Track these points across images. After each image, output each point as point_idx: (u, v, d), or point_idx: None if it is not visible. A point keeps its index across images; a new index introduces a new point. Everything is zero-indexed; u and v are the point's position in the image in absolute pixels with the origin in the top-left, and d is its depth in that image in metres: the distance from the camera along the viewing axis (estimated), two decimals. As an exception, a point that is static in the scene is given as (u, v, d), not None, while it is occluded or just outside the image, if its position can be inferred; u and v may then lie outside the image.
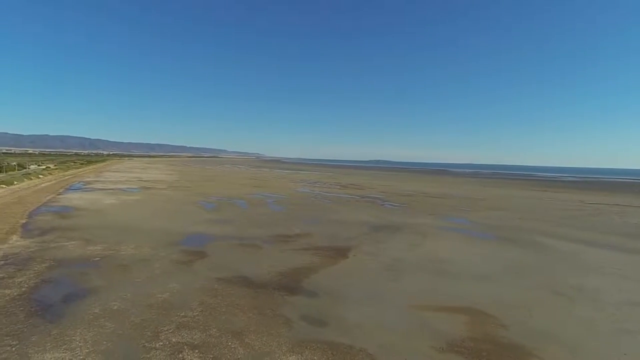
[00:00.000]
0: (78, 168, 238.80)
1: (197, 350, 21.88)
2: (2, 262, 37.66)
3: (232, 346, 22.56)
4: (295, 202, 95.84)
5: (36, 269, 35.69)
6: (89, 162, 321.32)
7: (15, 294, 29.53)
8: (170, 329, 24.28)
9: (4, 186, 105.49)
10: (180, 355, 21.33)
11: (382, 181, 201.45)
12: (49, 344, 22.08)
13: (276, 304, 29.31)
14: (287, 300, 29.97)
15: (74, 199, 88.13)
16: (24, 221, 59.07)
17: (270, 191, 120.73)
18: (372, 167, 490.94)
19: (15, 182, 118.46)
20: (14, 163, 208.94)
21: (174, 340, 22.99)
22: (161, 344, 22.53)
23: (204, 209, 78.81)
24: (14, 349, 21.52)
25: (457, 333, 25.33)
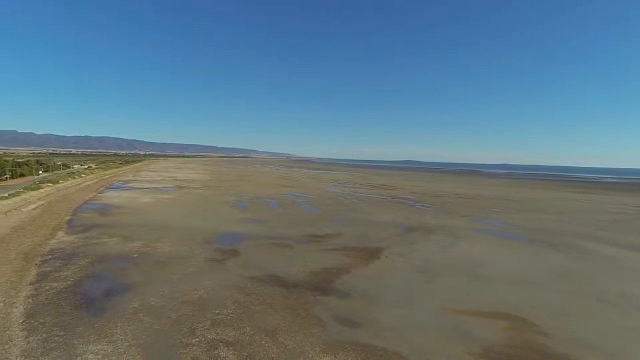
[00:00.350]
0: (117, 168, 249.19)
1: (231, 348, 22.19)
2: (50, 256, 39.74)
3: (266, 345, 22.72)
4: (326, 202, 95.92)
5: (80, 263, 37.41)
6: (127, 162, 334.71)
7: (61, 287, 31.04)
8: (205, 326, 24.76)
9: (50, 185, 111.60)
10: (216, 352, 21.70)
11: (413, 182, 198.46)
12: (92, 336, 23.03)
13: (309, 303, 29.32)
14: (319, 300, 29.92)
15: (113, 197, 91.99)
16: (68, 218, 62.15)
17: (301, 191, 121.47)
18: (402, 168, 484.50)
19: (61, 181, 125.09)
20: (60, 163, 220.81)
21: (209, 336, 23.43)
22: (197, 340, 23.01)
23: (236, 208, 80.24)
24: (61, 339, 22.58)
25: (495, 339, 24.43)
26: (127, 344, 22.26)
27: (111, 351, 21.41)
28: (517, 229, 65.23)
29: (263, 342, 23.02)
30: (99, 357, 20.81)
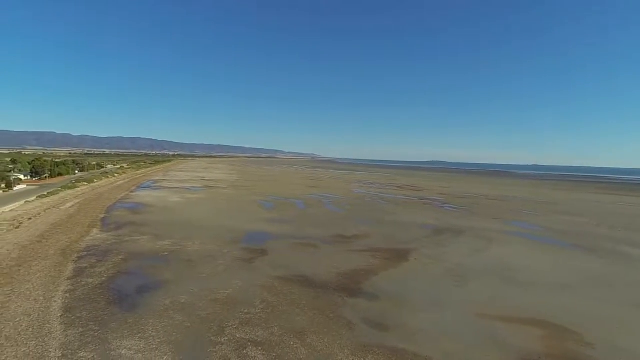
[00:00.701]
0: (147, 167, 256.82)
1: (260, 348, 22.16)
2: (85, 253, 41.14)
3: (295, 346, 22.58)
4: (352, 202, 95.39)
5: (113, 260, 38.51)
6: (157, 162, 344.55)
7: (96, 282, 32.00)
8: (234, 325, 24.87)
9: (85, 184, 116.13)
10: (245, 352, 21.72)
11: (440, 182, 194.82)
12: (126, 332, 23.55)
13: (337, 305, 29.00)
14: (347, 302, 29.55)
15: (144, 196, 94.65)
16: (102, 216, 64.33)
17: (327, 191, 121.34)
18: (428, 168, 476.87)
19: (95, 180, 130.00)
20: (94, 163, 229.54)
21: (238, 336, 23.50)
22: (226, 338, 23.13)
23: (263, 208, 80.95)
24: (96, 333, 23.20)
25: (532, 348, 23.34)
26: (159, 340, 22.62)
27: (144, 347, 21.80)
28: (550, 232, 62.73)
29: (291, 343, 22.88)
30: (132, 352, 21.22)
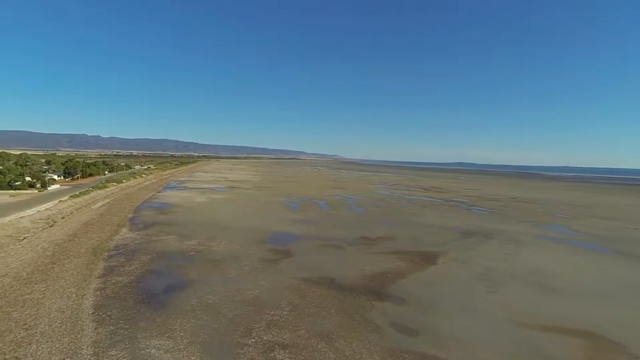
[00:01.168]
0: (173, 168, 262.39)
1: (287, 351, 21.79)
2: (115, 251, 41.97)
3: (322, 349, 22.09)
4: (376, 204, 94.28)
5: (142, 259, 39.08)
6: (182, 164, 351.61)
7: (126, 281, 32.48)
8: (261, 327, 24.61)
9: (115, 184, 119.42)
10: (272, 354, 21.39)
11: (466, 184, 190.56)
12: (154, 331, 23.65)
13: (364, 308, 28.35)
14: (375, 306, 28.86)
15: (170, 196, 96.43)
16: (131, 215, 65.77)
17: (350, 193, 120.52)
18: (453, 170, 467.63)
19: (124, 181, 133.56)
20: (123, 164, 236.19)
21: (265, 338, 23.21)
22: (253, 340, 22.88)
23: (287, 208, 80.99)
24: (125, 332, 23.40)
25: None
26: (187, 341, 22.60)
27: (172, 347, 21.81)
28: (586, 236, 59.98)
29: (319, 347, 22.42)
30: (161, 352, 21.26)
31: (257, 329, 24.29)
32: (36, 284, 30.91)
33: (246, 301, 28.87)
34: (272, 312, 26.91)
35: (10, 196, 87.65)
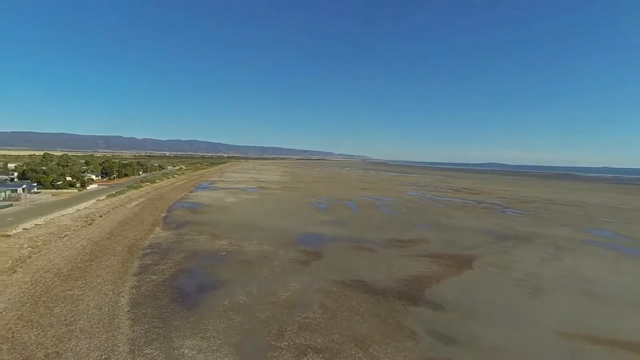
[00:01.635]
0: (204, 169, 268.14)
1: (321, 356, 21.24)
2: (149, 250, 42.85)
3: (357, 356, 21.42)
4: (406, 205, 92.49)
5: (175, 258, 39.67)
6: (212, 164, 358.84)
7: (160, 279, 32.96)
8: (293, 330, 24.21)
9: (148, 184, 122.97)
10: (305, 359, 20.98)
11: (498, 185, 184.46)
12: (187, 331, 23.74)
13: (398, 313, 27.46)
14: (409, 311, 27.91)
15: (202, 196, 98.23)
16: (164, 215, 67.27)
17: (379, 194, 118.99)
18: (485, 171, 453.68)
19: (157, 181, 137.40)
20: (156, 164, 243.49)
21: (298, 341, 22.80)
22: (286, 343, 22.51)
23: (316, 209, 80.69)
24: (160, 331, 23.59)
25: (630, 375, 20.42)
26: (220, 341, 22.50)
27: (205, 347, 21.76)
28: (633, 241, 56.37)
29: (353, 352, 21.79)
30: (194, 352, 21.25)
31: (290, 332, 23.93)
32: (76, 280, 31.83)
33: (278, 303, 28.60)
34: (304, 315, 26.49)
35: (53, 195, 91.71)
